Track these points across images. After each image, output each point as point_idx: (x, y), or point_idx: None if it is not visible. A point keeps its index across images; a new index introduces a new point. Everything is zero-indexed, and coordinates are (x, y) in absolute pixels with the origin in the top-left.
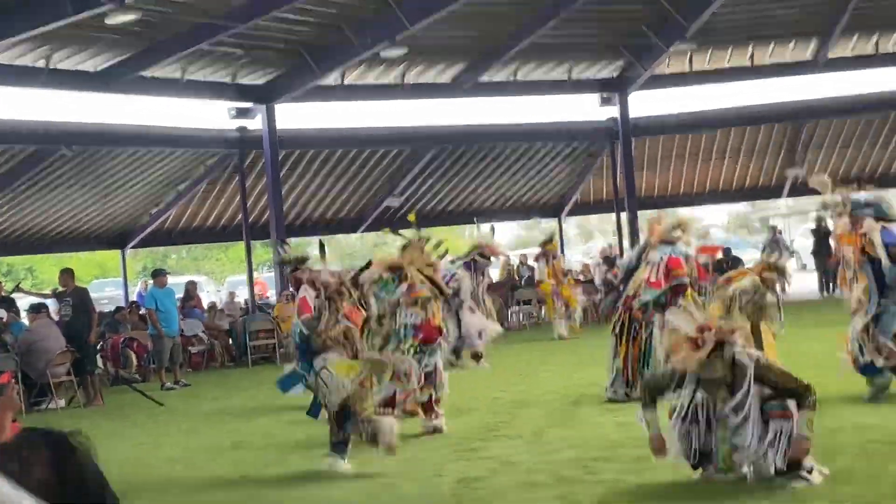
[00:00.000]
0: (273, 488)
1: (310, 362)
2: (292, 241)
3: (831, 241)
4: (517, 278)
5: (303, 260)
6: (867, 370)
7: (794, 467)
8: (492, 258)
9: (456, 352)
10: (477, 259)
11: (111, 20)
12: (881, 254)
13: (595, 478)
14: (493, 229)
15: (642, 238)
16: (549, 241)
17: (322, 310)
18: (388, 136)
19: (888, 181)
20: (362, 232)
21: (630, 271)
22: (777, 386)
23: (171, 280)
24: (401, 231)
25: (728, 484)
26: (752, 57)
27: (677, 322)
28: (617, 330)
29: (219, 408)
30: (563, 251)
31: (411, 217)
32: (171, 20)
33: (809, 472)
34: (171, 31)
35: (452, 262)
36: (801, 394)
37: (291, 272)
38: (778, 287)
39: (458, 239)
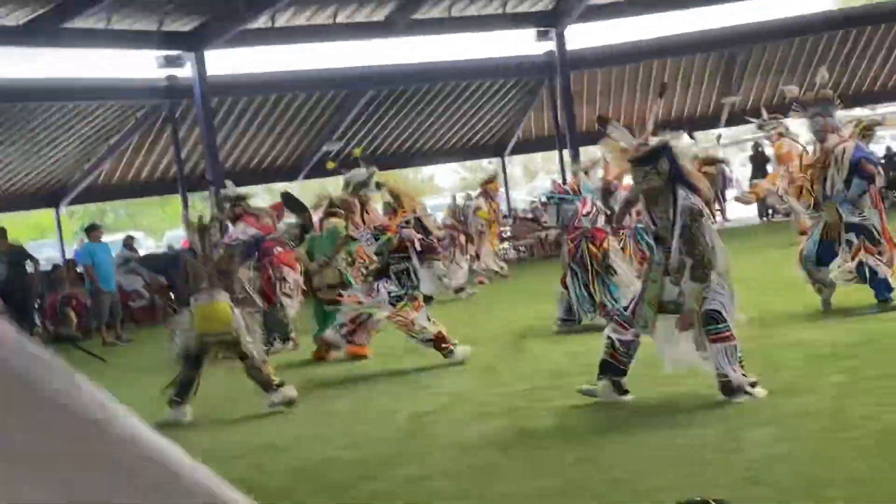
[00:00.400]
0: (219, 434)
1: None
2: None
3: (769, 167)
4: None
5: (242, 197)
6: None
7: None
8: None
9: None
10: None
11: None
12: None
13: (545, 405)
14: None
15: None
16: (491, 180)
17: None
18: (323, 78)
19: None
20: (302, 179)
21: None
22: (692, 248)
23: (110, 237)
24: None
25: (679, 406)
26: None
27: (616, 134)
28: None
29: (161, 362)
30: (507, 191)
31: (357, 152)
32: None
33: (753, 386)
34: None
35: None
36: (702, 266)
37: (231, 207)
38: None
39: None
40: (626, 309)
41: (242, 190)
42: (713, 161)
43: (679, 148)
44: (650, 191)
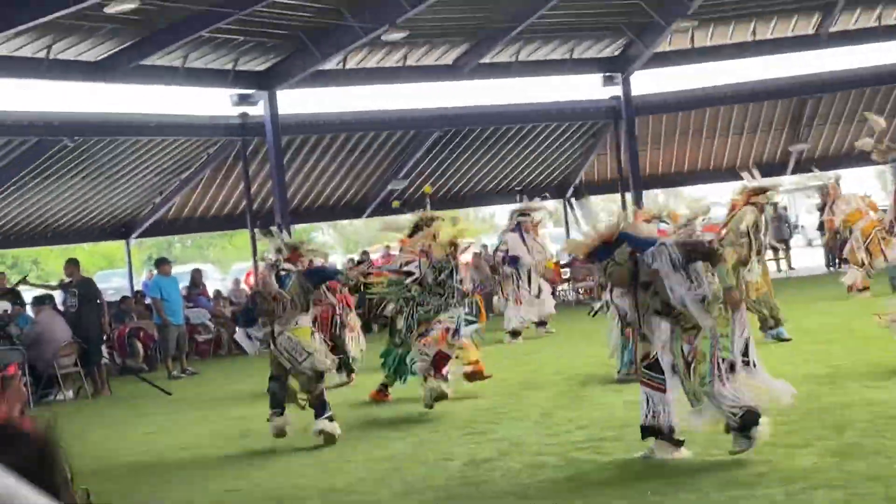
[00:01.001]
0: (280, 475)
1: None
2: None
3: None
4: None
5: (295, 246)
6: None
7: (748, 419)
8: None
9: None
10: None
11: (110, 9)
12: None
13: (605, 458)
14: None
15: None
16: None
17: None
18: (391, 119)
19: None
20: (366, 217)
21: None
22: (694, 250)
23: (176, 269)
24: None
25: (743, 463)
26: (754, 32)
27: (581, 214)
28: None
29: (226, 395)
30: (567, 233)
31: (427, 189)
32: (170, 8)
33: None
34: (170, 19)
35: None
36: (712, 253)
37: (290, 257)
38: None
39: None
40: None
41: (287, 236)
42: (762, 190)
43: (630, 225)
44: (616, 280)
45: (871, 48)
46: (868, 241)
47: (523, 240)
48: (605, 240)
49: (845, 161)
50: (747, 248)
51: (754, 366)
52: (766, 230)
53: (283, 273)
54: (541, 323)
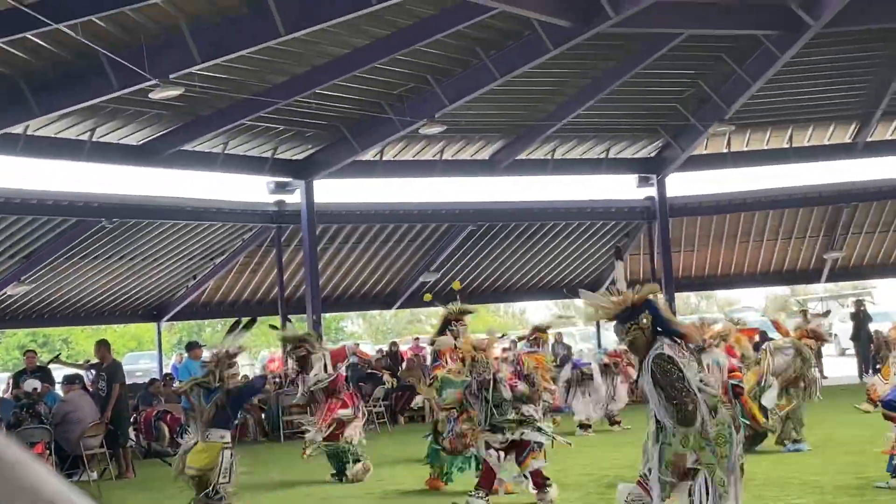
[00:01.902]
0: None
1: None
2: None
3: (870, 326)
4: (553, 357)
5: (304, 338)
6: None
7: None
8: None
9: None
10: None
11: (155, 95)
12: None
13: None
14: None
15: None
16: (545, 329)
17: None
18: (425, 211)
19: None
20: (397, 308)
21: None
22: (667, 394)
23: (206, 353)
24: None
25: None
26: (790, 139)
27: (618, 273)
28: None
29: (252, 482)
30: (598, 331)
31: (455, 285)
32: (213, 95)
33: None
34: (212, 106)
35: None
36: (687, 412)
37: (293, 349)
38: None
39: (491, 316)
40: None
41: (299, 328)
42: (819, 337)
43: (658, 301)
44: (635, 346)
45: None
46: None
47: None
48: (634, 303)
49: (879, 271)
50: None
51: None
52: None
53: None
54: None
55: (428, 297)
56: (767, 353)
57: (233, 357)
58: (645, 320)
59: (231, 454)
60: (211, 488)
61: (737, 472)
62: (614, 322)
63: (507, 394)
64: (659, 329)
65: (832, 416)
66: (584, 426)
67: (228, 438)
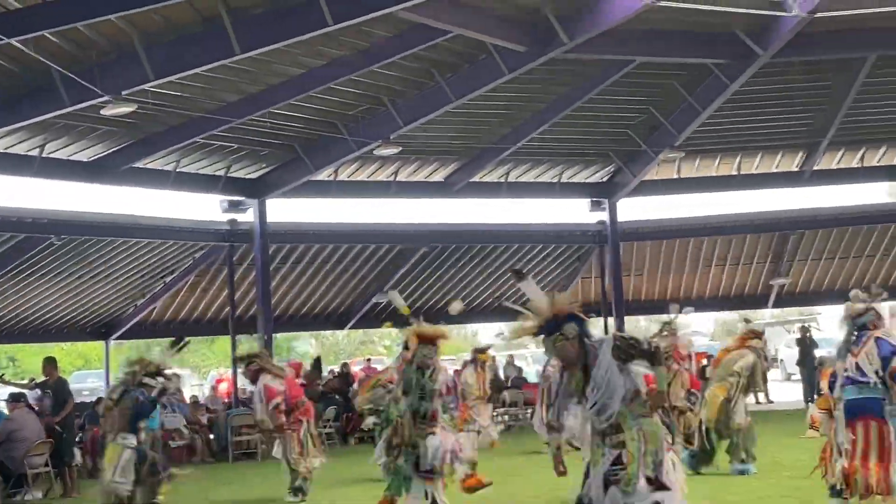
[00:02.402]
0: None
1: None
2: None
3: (815, 352)
4: (503, 379)
5: (254, 356)
6: None
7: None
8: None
9: None
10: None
11: (107, 111)
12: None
13: None
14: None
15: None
16: (484, 350)
17: None
18: (379, 232)
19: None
20: (349, 328)
21: None
22: (632, 349)
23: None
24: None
25: None
26: (739, 166)
27: (529, 291)
28: None
29: (198, 502)
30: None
31: (405, 310)
32: (165, 113)
33: None
34: (165, 123)
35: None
36: (653, 353)
37: (246, 367)
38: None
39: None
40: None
41: (256, 346)
42: (756, 334)
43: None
44: (564, 356)
45: (853, 188)
46: None
47: None
48: (556, 313)
49: (824, 298)
50: (736, 387)
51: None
52: (764, 375)
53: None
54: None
55: (388, 325)
56: (742, 371)
57: (157, 370)
58: (571, 331)
59: (132, 454)
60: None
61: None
62: (540, 336)
63: (438, 387)
64: (585, 338)
65: (777, 440)
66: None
67: (134, 443)
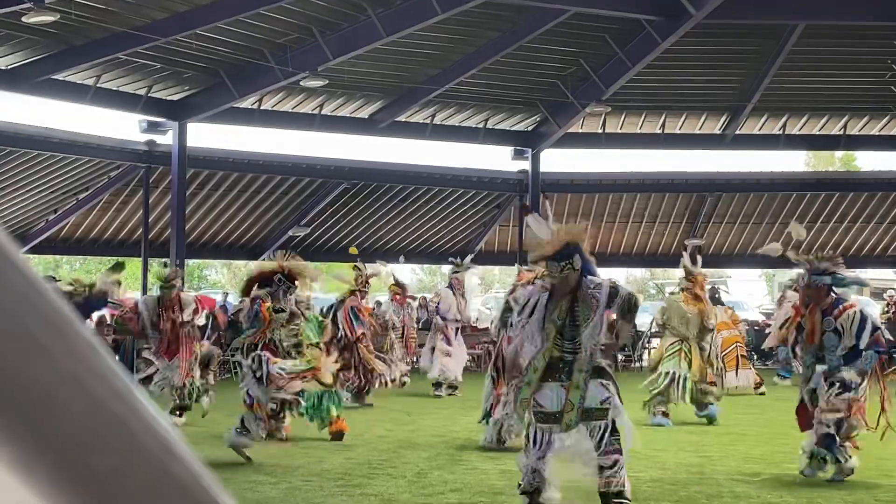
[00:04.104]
0: None
1: None
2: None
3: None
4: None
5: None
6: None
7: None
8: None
9: None
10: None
11: (28, 19)
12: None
13: None
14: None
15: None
16: (402, 287)
17: None
18: (299, 165)
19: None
20: (262, 260)
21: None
22: (622, 300)
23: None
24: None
25: None
26: (663, 125)
27: (534, 224)
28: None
29: None
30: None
31: (353, 250)
32: (89, 26)
33: None
34: (87, 37)
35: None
36: (632, 309)
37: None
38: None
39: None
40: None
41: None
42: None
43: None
44: (566, 284)
45: (773, 155)
46: (726, 352)
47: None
48: (571, 241)
49: (735, 261)
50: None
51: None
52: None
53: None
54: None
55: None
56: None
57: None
58: (577, 261)
59: None
60: None
61: None
62: (549, 260)
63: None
64: (589, 274)
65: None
66: (437, 385)
67: None
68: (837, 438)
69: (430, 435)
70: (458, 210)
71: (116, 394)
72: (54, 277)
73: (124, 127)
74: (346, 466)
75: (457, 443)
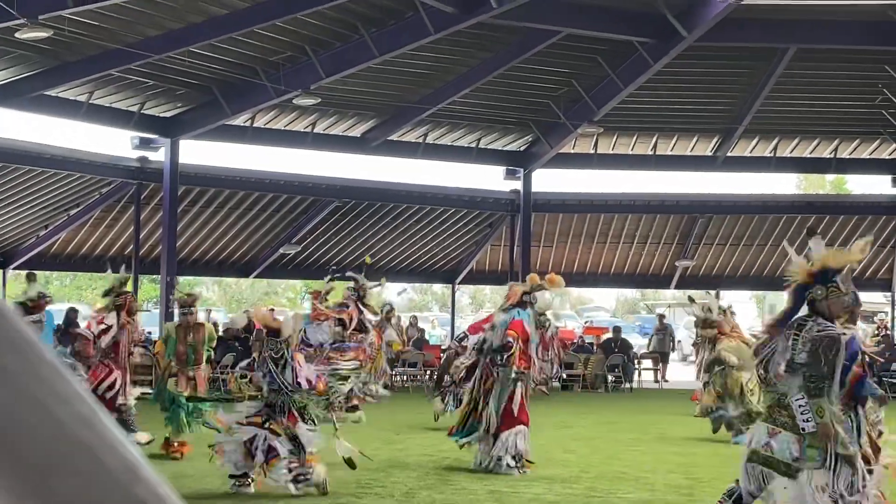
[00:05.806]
0: None
1: None
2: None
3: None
4: (405, 339)
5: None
6: None
7: None
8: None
9: None
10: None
11: (22, 35)
12: None
13: None
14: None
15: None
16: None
17: None
18: (291, 182)
19: (773, 282)
20: (253, 277)
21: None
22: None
23: (51, 307)
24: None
25: None
26: (655, 147)
27: (815, 247)
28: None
29: None
30: (452, 318)
31: (367, 259)
32: (83, 42)
33: None
34: (81, 53)
35: None
36: None
37: (115, 297)
38: None
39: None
40: None
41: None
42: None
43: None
44: (840, 308)
45: (764, 177)
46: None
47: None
48: (832, 266)
49: (727, 283)
50: None
51: None
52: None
53: None
54: None
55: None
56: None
57: None
58: (844, 285)
59: None
60: None
61: None
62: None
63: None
64: None
65: (667, 418)
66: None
67: None
68: None
69: (418, 455)
70: (449, 229)
71: (80, 417)
72: (45, 294)
73: (116, 143)
74: (334, 486)
75: (445, 463)
